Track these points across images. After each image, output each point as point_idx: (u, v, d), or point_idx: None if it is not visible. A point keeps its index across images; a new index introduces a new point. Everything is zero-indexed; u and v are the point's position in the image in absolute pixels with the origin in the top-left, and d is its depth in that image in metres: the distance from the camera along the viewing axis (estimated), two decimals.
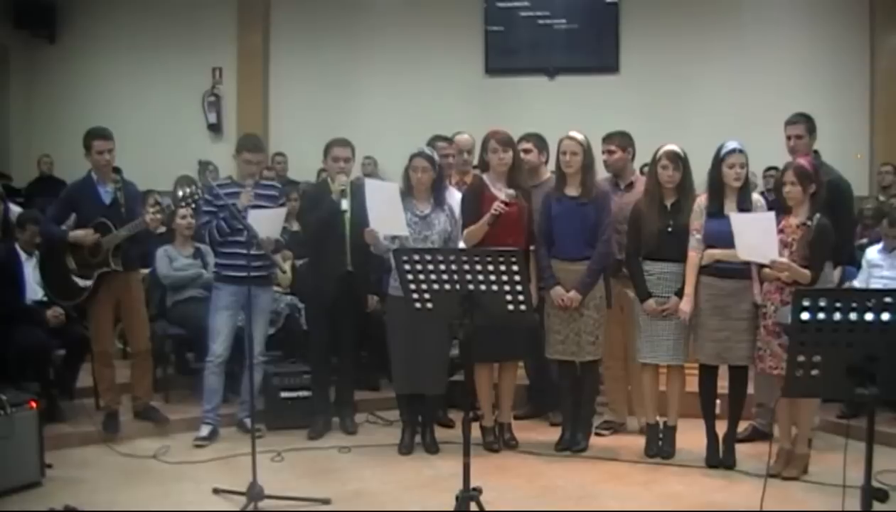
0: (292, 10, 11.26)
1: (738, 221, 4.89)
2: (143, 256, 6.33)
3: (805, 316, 2.93)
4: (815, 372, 3.00)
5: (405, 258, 3.89)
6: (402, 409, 5.77)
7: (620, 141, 5.93)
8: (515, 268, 3.73)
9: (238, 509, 4.51)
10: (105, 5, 11.39)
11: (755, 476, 4.94)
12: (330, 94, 10.96)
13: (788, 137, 5.73)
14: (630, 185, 5.87)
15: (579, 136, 5.48)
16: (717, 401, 5.40)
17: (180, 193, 5.02)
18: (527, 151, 5.93)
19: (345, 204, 5.72)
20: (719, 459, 5.30)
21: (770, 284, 4.99)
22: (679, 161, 5.32)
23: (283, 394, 6.16)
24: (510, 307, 3.82)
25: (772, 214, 4.90)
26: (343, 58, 10.99)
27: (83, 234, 5.63)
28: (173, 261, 6.73)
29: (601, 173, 5.85)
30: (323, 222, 5.86)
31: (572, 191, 5.50)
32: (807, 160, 5.07)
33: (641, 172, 6.37)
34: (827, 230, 4.93)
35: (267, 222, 5.49)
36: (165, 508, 4.68)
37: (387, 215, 5.40)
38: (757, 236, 4.81)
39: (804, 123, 5.71)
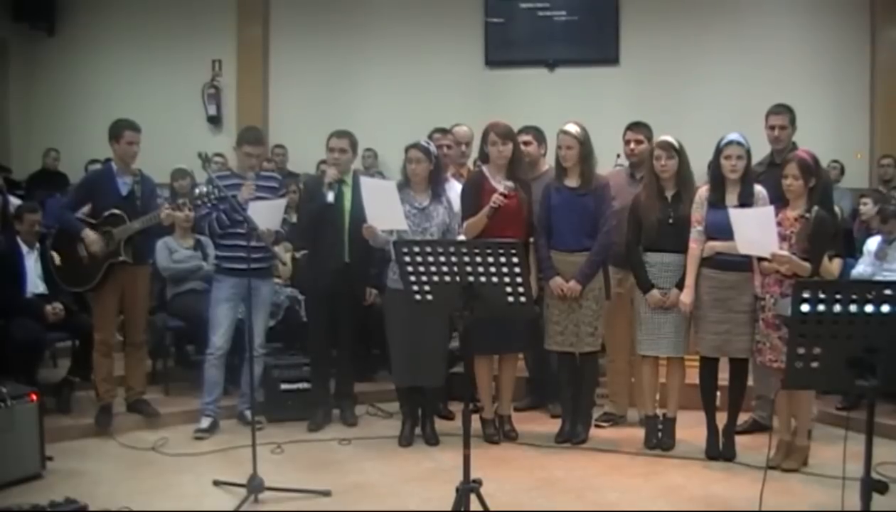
0: (292, 2, 11.22)
1: (737, 216, 4.90)
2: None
3: (805, 308, 2.93)
4: (815, 364, 3.00)
5: (405, 250, 3.88)
6: (402, 401, 5.78)
7: (647, 132, 5.94)
8: (515, 260, 3.73)
9: (238, 501, 4.51)
10: None
11: (755, 468, 4.95)
12: (330, 87, 10.93)
13: (772, 127, 5.72)
14: None
15: (574, 130, 5.47)
16: (717, 393, 5.41)
17: (197, 192, 5.12)
18: (526, 144, 5.93)
19: (330, 196, 5.73)
20: (719, 451, 5.31)
21: (769, 276, 4.99)
22: (672, 151, 5.33)
23: (283, 386, 6.17)
24: (510, 299, 3.81)
25: (770, 209, 4.89)
26: (343, 50, 10.96)
27: (93, 240, 5.66)
28: (173, 253, 6.73)
29: (604, 164, 5.84)
30: (314, 214, 5.87)
31: (572, 182, 5.50)
32: (807, 153, 5.05)
33: None
34: (826, 222, 4.94)
35: (267, 213, 5.49)
36: (166, 500, 4.68)
37: (384, 212, 5.40)
38: (756, 230, 4.81)
39: (787, 114, 5.71)
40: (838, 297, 2.92)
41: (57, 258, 5.92)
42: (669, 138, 5.37)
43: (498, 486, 4.61)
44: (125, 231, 5.67)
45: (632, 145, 5.95)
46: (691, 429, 5.54)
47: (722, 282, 5.16)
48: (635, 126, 6.02)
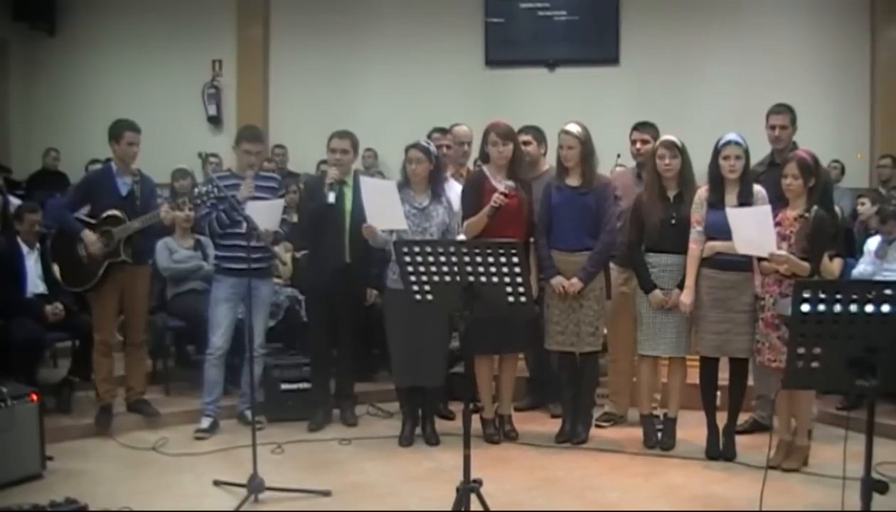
0: (292, 2, 11.22)
1: (735, 216, 4.89)
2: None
3: (805, 308, 2.93)
4: (815, 364, 3.00)
5: (405, 250, 3.88)
6: (402, 401, 5.78)
7: (653, 131, 5.93)
8: (515, 259, 3.73)
9: (238, 501, 4.51)
10: None
11: (755, 468, 4.95)
12: (330, 86, 10.93)
13: (773, 127, 5.72)
14: None
15: (575, 130, 5.47)
16: (718, 393, 5.41)
17: (196, 191, 5.13)
18: (526, 143, 5.93)
19: (332, 197, 5.73)
20: (719, 450, 5.31)
21: (769, 276, 4.99)
22: (676, 150, 5.33)
23: (284, 386, 6.17)
24: (510, 299, 3.81)
25: (768, 208, 4.89)
26: (343, 50, 10.96)
27: (92, 241, 5.66)
28: (173, 253, 6.73)
29: (605, 164, 5.84)
30: (314, 215, 5.87)
31: (573, 181, 5.50)
32: (807, 152, 5.06)
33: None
34: (825, 221, 4.93)
35: (264, 213, 5.47)
36: (166, 500, 4.68)
37: (384, 212, 5.40)
38: (754, 230, 4.80)
39: (788, 114, 5.72)
40: (838, 296, 2.92)
41: (57, 271, 5.91)
42: (672, 137, 5.38)
43: (498, 486, 4.61)
44: (125, 231, 5.68)
45: (638, 145, 5.95)
46: (692, 429, 5.54)
47: (722, 282, 5.16)
48: (642, 126, 6.01)
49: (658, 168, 5.35)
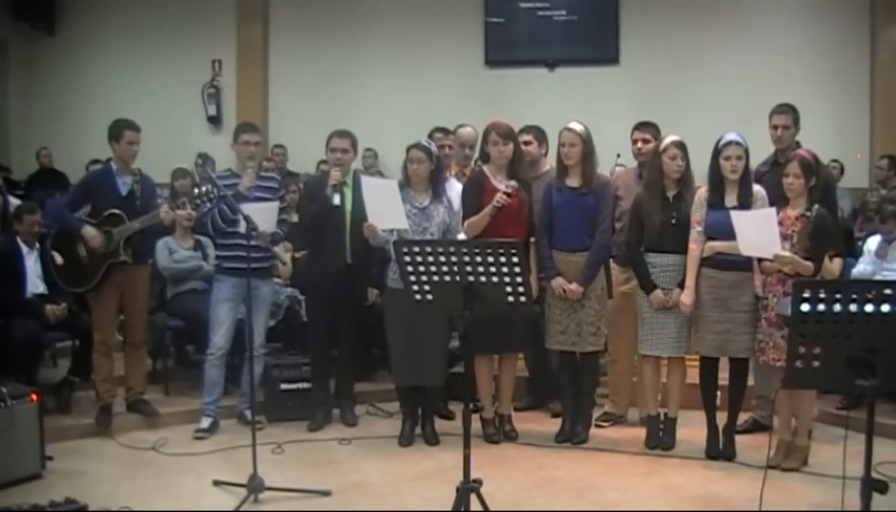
0: (292, 2, 11.23)
1: (739, 219, 4.89)
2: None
3: (805, 307, 2.93)
4: (815, 363, 3.00)
5: (405, 250, 3.88)
6: (402, 401, 5.78)
7: (654, 131, 5.92)
8: (515, 259, 3.73)
9: (238, 501, 4.51)
10: None
11: (755, 468, 4.95)
12: (330, 86, 10.93)
13: (775, 127, 5.72)
14: None
15: (578, 128, 5.47)
16: (718, 392, 5.41)
17: (196, 191, 5.14)
18: (527, 143, 5.93)
19: (336, 199, 5.73)
20: (719, 450, 5.31)
21: (772, 276, 4.99)
22: (685, 151, 5.33)
23: (284, 386, 6.17)
24: (510, 299, 3.81)
25: (772, 210, 4.90)
26: (343, 50, 10.97)
27: (93, 235, 5.66)
28: (173, 253, 6.74)
29: (604, 164, 5.83)
30: (316, 216, 5.87)
31: (573, 181, 5.50)
32: (808, 152, 5.06)
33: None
34: (826, 220, 4.94)
35: (260, 215, 5.43)
36: (166, 500, 4.68)
37: (385, 211, 5.40)
38: (758, 232, 4.81)
39: (791, 114, 5.71)
40: (838, 296, 2.92)
41: (59, 258, 5.91)
42: (679, 138, 5.37)
43: (498, 485, 4.62)
44: (125, 231, 5.67)
45: (639, 145, 5.94)
46: (691, 428, 5.54)
47: (722, 281, 5.16)
48: (643, 126, 6.01)
49: (667, 168, 5.32)
